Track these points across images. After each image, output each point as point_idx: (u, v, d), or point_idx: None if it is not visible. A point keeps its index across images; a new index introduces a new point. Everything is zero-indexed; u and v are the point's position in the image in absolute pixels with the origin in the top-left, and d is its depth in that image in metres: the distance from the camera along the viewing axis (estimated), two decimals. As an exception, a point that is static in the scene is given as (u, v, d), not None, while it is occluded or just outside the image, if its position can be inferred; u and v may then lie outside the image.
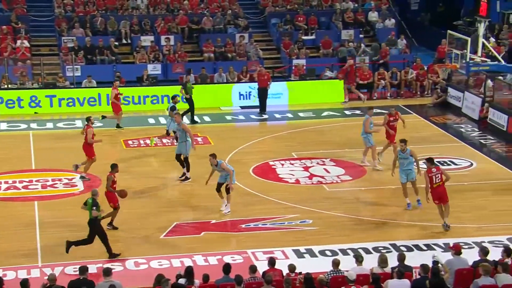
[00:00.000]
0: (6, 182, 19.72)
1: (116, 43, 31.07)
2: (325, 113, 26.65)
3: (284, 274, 12.86)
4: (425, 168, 16.80)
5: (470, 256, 13.61)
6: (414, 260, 13.82)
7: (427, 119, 25.55)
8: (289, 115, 26.58)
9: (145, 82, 28.08)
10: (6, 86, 27.31)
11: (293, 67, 30.02)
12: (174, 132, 21.05)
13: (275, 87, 27.20)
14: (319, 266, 14.34)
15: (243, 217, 17.32)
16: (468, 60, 25.43)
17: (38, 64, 29.18)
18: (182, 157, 19.55)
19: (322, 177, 19.99)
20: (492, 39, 29.49)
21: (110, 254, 15.17)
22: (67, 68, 29.15)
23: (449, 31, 27.29)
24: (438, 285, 12.30)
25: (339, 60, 31.11)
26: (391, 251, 15.16)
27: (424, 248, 15.57)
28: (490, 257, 13.16)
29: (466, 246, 15.08)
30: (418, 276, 12.65)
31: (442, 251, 15.13)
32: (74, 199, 18.66)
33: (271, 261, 13.20)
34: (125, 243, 16.02)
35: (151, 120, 25.90)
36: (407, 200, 17.71)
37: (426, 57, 31.31)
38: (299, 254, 15.33)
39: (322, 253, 15.39)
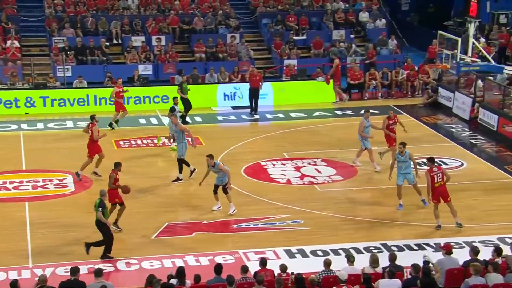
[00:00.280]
0: (-4, 183, 19.67)
1: (107, 43, 31.00)
2: (316, 113, 26.68)
3: (276, 274, 12.87)
4: (422, 170, 16.79)
5: (461, 255, 13.65)
6: (405, 260, 13.86)
7: (418, 119, 25.63)
8: (280, 115, 26.60)
9: (136, 83, 28.03)
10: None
11: (284, 68, 30.04)
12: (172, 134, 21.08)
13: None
14: (311, 266, 14.35)
15: (234, 218, 17.32)
16: (458, 60, 25.52)
17: (29, 64, 29.08)
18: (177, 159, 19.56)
19: (314, 177, 20.01)
20: (482, 40, 29.61)
21: (104, 255, 15.12)
22: (57, 68, 29.07)
23: (439, 32, 27.38)
24: (429, 284, 12.34)
25: (330, 61, 31.13)
26: (382, 251, 15.20)
27: (415, 248, 15.62)
28: (480, 257, 13.21)
29: (457, 246, 15.13)
30: (409, 276, 12.68)
31: (433, 251, 15.19)
32: (65, 200, 18.65)
33: (263, 262, 13.21)
34: (116, 243, 15.95)
35: (142, 121, 25.86)
36: (401, 201, 17.74)
37: (416, 58, 31.40)
38: (291, 254, 15.35)
39: (314, 253, 15.42)
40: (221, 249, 15.70)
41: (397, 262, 13.01)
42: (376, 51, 31.15)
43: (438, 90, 27.49)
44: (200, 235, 16.48)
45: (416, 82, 28.86)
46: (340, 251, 15.33)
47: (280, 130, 24.70)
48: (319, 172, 20.42)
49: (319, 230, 16.65)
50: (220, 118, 26.35)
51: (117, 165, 16.92)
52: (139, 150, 22.66)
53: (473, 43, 26.44)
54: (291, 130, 24.65)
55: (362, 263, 13.39)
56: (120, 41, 31.82)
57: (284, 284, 12.11)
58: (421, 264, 12.76)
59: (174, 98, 23.35)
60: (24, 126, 25.14)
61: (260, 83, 26.46)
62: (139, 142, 23.35)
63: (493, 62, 26.61)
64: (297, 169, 20.66)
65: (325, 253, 15.28)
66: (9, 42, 30.05)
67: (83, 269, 13.88)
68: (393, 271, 12.41)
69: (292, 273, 12.67)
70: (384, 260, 13.16)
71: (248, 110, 26.55)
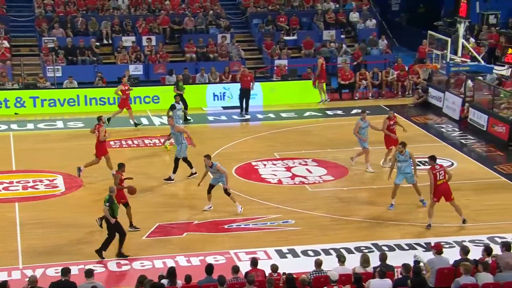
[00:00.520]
0: (-14, 184, 19.59)
1: (97, 44, 30.93)
2: (307, 113, 26.72)
3: (267, 274, 12.87)
4: (423, 169, 16.81)
5: (451, 255, 13.70)
6: (396, 259, 13.88)
7: (408, 119, 25.68)
8: (271, 115, 26.62)
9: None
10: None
11: (275, 68, 30.05)
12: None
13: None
14: (302, 266, 14.37)
15: (225, 218, 17.32)
16: (448, 60, 25.61)
17: (18, 64, 28.98)
18: (174, 158, 19.54)
19: (305, 177, 20.03)
20: (472, 40, 29.74)
21: (99, 252, 15.11)
22: (47, 68, 28.97)
23: (429, 32, 27.47)
24: (420, 284, 12.37)
25: (321, 61, 31.19)
26: (373, 251, 15.23)
27: (406, 247, 15.66)
28: (470, 256, 13.26)
29: (447, 246, 15.18)
30: (400, 276, 12.71)
31: (423, 251, 15.24)
32: (56, 200, 18.59)
33: (254, 262, 13.21)
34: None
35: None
36: (393, 201, 17.78)
37: (407, 58, 31.49)
38: (282, 254, 15.36)
39: (305, 253, 15.43)
40: (212, 249, 15.69)
41: (388, 262, 13.04)
42: (362, 51, 31.13)
43: (428, 90, 27.59)
44: (191, 236, 16.46)
45: (407, 82, 28.95)
46: (331, 251, 15.36)
47: (271, 130, 24.71)
48: (310, 172, 20.44)
49: (310, 230, 16.67)
50: (210, 118, 26.33)
51: (121, 166, 17.00)
52: (130, 150, 22.60)
53: (463, 44, 26.54)
54: (282, 130, 24.66)
55: (353, 263, 13.41)
56: (110, 41, 31.75)
57: (275, 284, 12.12)
58: (412, 264, 12.80)
59: (176, 96, 23.16)
60: (14, 126, 25.04)
61: (252, 83, 26.46)
62: (129, 142, 23.31)
63: (482, 62, 26.71)
64: (288, 169, 20.68)
65: (316, 253, 15.30)
66: (-2, 42, 29.96)
67: (74, 270, 13.83)
68: (384, 270, 12.43)
69: (284, 273, 12.68)
70: (375, 260, 13.19)
71: (239, 110, 26.54)
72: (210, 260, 14.84)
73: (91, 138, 23.67)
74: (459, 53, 26.32)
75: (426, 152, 20.65)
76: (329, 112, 26.91)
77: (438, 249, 13.32)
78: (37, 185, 19.55)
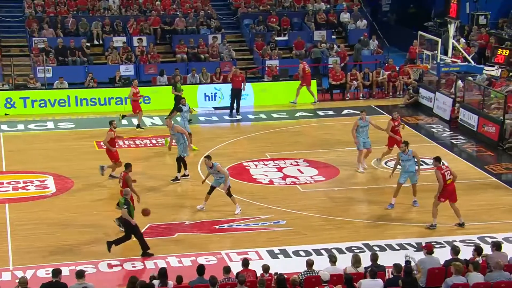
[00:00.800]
0: (-24, 185, 19.51)
1: (88, 44, 30.85)
2: (298, 114, 26.74)
3: (259, 275, 12.88)
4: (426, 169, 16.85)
5: (442, 255, 13.75)
6: (387, 259, 13.91)
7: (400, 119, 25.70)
8: (262, 115, 26.63)
9: (117, 83, 27.92)
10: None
11: (266, 68, 30.07)
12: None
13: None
14: (293, 266, 14.39)
15: (217, 218, 17.32)
16: (439, 61, 25.68)
17: (9, 65, 28.86)
18: (176, 158, 19.54)
19: (296, 177, 20.05)
20: (463, 40, 29.84)
21: (109, 245, 15.17)
22: (38, 69, 28.88)
23: (420, 32, 27.54)
24: (411, 284, 12.41)
25: (312, 61, 31.24)
26: (364, 251, 15.26)
27: (397, 247, 15.70)
28: (461, 256, 13.31)
29: (437, 246, 15.23)
30: (391, 276, 12.74)
31: (414, 251, 15.27)
32: (46, 201, 18.54)
33: (245, 262, 13.22)
34: (98, 244, 15.91)
35: (124, 122, 25.70)
36: (393, 200, 17.79)
37: (398, 58, 31.56)
38: (273, 255, 15.37)
39: (296, 253, 15.45)
40: (204, 250, 15.68)
41: (379, 262, 13.07)
42: (358, 52, 31.17)
43: (419, 90, 27.67)
44: (183, 236, 16.45)
45: (397, 82, 29.03)
46: (323, 251, 15.38)
47: (262, 131, 24.72)
48: (301, 172, 20.47)
49: (301, 230, 16.69)
50: (202, 118, 26.31)
51: (128, 166, 17.04)
52: (121, 151, 22.53)
53: (453, 44, 26.62)
54: (273, 130, 24.68)
55: (344, 263, 13.44)
56: (101, 42, 31.68)
57: (266, 285, 12.12)
58: (403, 264, 12.83)
59: (182, 99, 22.99)
60: (4, 127, 24.94)
61: (243, 84, 26.45)
62: (120, 143, 23.23)
63: (472, 63, 26.80)
64: (279, 169, 20.69)
65: (308, 253, 15.32)
66: (-12, 42, 29.86)
67: (65, 271, 13.79)
68: (375, 271, 12.47)
69: (275, 274, 12.69)
70: (366, 260, 13.22)
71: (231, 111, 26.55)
72: (201, 260, 14.84)
73: (82, 139, 23.63)
74: (449, 54, 26.40)
75: (417, 152, 20.67)
76: (320, 113, 26.94)
77: (428, 249, 13.37)
78: (28, 186, 19.49)
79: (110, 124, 19.89)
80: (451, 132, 24.55)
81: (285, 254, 15.44)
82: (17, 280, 12.67)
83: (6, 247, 15.82)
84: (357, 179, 19.99)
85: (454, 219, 17.05)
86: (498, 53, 27.11)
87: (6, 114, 26.30)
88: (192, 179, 19.66)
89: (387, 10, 39.08)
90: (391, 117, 20.90)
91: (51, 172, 20.26)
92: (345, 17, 34.22)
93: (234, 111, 26.46)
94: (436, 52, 25.73)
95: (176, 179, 19.57)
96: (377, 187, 19.46)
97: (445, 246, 15.39)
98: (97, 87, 27.48)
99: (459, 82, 25.76)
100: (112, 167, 19.69)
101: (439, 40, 26.08)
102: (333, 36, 33.16)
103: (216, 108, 27.27)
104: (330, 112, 26.81)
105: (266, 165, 21.10)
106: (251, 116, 26.65)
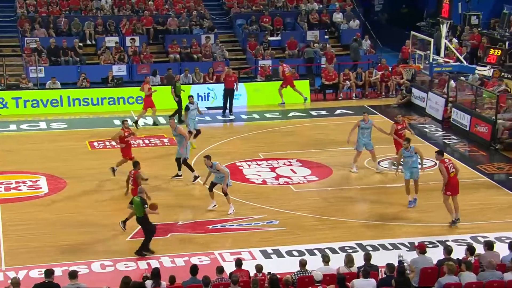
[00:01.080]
0: (-32, 185, 19.44)
1: (80, 44, 30.79)
2: (291, 114, 26.76)
3: (252, 275, 12.88)
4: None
5: (435, 255, 13.78)
6: (380, 259, 13.93)
7: (391, 119, 25.75)
8: (255, 115, 26.63)
9: (110, 83, 27.87)
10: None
11: (259, 68, 30.06)
12: (190, 132, 21.30)
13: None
14: (286, 266, 14.39)
15: (210, 218, 17.30)
16: (431, 61, 25.74)
17: (1, 65, 28.71)
18: (181, 160, 19.51)
19: (289, 177, 20.06)
20: (455, 40, 29.92)
21: (139, 251, 15.18)
22: (30, 69, 28.79)
23: (412, 32, 27.60)
24: (404, 284, 12.43)
25: (305, 61, 31.26)
26: (357, 251, 15.27)
27: (390, 247, 15.72)
28: (454, 256, 13.34)
29: (430, 245, 15.26)
30: (384, 275, 12.76)
31: (407, 250, 15.29)
32: (39, 202, 18.47)
33: (238, 262, 13.22)
34: (91, 244, 15.89)
35: (117, 122, 25.66)
36: (409, 197, 17.83)
37: (390, 58, 31.61)
38: (266, 255, 15.37)
39: (289, 253, 15.45)
40: (197, 250, 15.66)
41: (372, 262, 13.09)
42: (354, 52, 31.19)
43: (412, 90, 27.73)
44: (176, 236, 16.43)
45: (390, 82, 29.09)
46: (316, 251, 15.39)
47: (255, 131, 24.73)
48: (294, 172, 20.47)
49: (294, 230, 16.69)
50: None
51: (136, 165, 17.15)
52: (113, 151, 22.50)
53: (446, 44, 26.68)
54: (266, 130, 24.69)
55: (337, 263, 13.45)
56: (93, 42, 31.61)
57: (260, 285, 12.12)
58: (396, 264, 12.85)
59: (190, 97, 22.94)
60: (-4, 127, 24.90)
61: (235, 84, 26.43)
62: (113, 143, 23.15)
63: (465, 63, 26.88)
64: (272, 169, 20.70)
65: (301, 253, 15.32)
66: (-20, 42, 29.74)
67: (58, 271, 13.75)
68: (368, 270, 12.48)
69: (269, 273, 12.69)
70: (359, 260, 13.23)
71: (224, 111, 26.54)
72: (194, 260, 14.82)
73: (74, 139, 23.59)
74: (442, 54, 26.46)
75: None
76: (313, 113, 26.97)
77: (421, 248, 13.39)
78: (20, 186, 19.43)
79: (122, 123, 19.74)
80: (444, 132, 24.61)
81: (278, 254, 15.44)
82: (9, 281, 12.64)
83: (-2, 247, 15.77)
84: (350, 179, 20.01)
85: (444, 219, 17.08)
86: (490, 53, 27.18)
87: (-1, 114, 26.24)
88: (185, 179, 19.64)
89: (380, 10, 39.14)
90: (395, 120, 20.58)
91: (43, 173, 20.21)
92: (338, 17, 34.26)
93: (227, 111, 26.45)
94: (429, 52, 25.79)
95: (195, 178, 19.35)
96: (370, 187, 19.49)
97: (437, 246, 15.43)
98: (89, 87, 27.42)
99: (452, 82, 25.83)
100: (120, 162, 19.51)
101: (432, 40, 26.15)
102: (326, 36, 33.19)
103: (209, 108, 27.25)
104: (323, 112, 26.84)
105: (259, 165, 21.10)
106: (244, 116, 26.65)
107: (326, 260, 13.12)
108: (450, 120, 24.95)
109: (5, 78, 28.08)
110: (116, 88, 27.50)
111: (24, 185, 19.49)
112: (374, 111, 26.59)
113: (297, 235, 16.41)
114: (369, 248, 15.49)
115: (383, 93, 29.07)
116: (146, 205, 15.25)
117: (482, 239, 15.61)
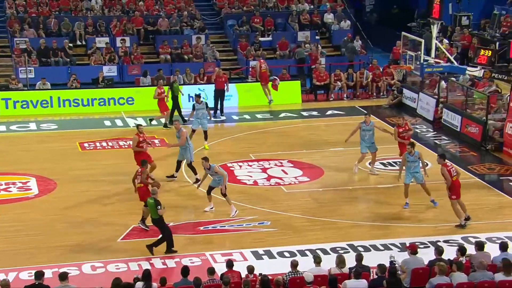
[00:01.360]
0: (-43, 187, 19.31)
1: (71, 45, 30.67)
2: (282, 115, 26.74)
3: (243, 276, 12.85)
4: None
5: (426, 255, 13.78)
6: (371, 260, 13.92)
7: (383, 120, 25.81)
8: (246, 116, 26.60)
9: (100, 84, 27.77)
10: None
11: (250, 69, 30.03)
12: (193, 131, 21.31)
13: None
14: (278, 267, 14.35)
15: (201, 219, 17.26)
16: (422, 61, 25.78)
17: (-10, 66, 28.68)
18: (183, 163, 19.42)
19: (280, 178, 20.03)
20: (446, 41, 29.99)
21: (168, 250, 15.29)
22: (20, 70, 28.66)
23: (403, 33, 27.64)
24: (395, 284, 12.43)
25: (296, 62, 31.25)
26: (348, 252, 15.26)
27: (381, 248, 15.72)
28: (445, 256, 13.35)
29: (422, 246, 15.25)
30: (376, 276, 12.75)
31: (398, 251, 15.30)
32: (29, 203, 18.38)
33: (229, 263, 13.18)
34: (81, 246, 15.82)
35: (107, 123, 25.64)
36: (407, 200, 17.82)
37: (381, 59, 31.65)
38: (258, 256, 15.34)
39: (281, 254, 15.42)
40: (188, 251, 15.61)
41: (363, 263, 13.07)
42: (350, 54, 31.23)
43: (403, 91, 27.76)
44: (167, 238, 16.36)
45: (381, 83, 29.12)
46: (307, 252, 15.36)
47: (246, 131, 24.70)
48: (286, 173, 20.45)
49: (286, 231, 16.66)
50: (186, 119, 26.18)
51: (144, 163, 17.14)
52: (104, 152, 22.45)
53: (437, 45, 26.73)
54: (257, 131, 24.66)
55: (329, 263, 13.43)
56: (84, 42, 31.50)
57: (251, 286, 12.09)
58: (387, 264, 12.84)
59: (197, 96, 22.76)
60: (-15, 128, 24.76)
61: (225, 84, 26.39)
62: (104, 144, 23.13)
63: (455, 63, 26.94)
64: (264, 170, 20.67)
65: (292, 254, 15.29)
66: (-30, 43, 29.58)
67: (48, 273, 13.68)
68: (360, 271, 12.47)
69: (260, 274, 12.66)
70: (350, 261, 13.22)
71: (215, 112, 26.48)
72: (185, 262, 14.78)
73: (64, 140, 23.47)
74: (433, 54, 26.52)
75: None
76: (304, 113, 26.96)
77: (413, 249, 13.40)
78: (10, 187, 19.32)
79: (137, 128, 19.54)
80: (435, 133, 24.64)
81: (270, 255, 15.41)
82: (-1, 283, 12.56)
83: (-12, 249, 15.67)
84: (341, 180, 20.00)
85: (435, 219, 17.13)
86: (480, 54, 27.25)
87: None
88: (178, 181, 19.57)
89: (369, 10, 39.20)
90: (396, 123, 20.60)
91: (33, 174, 20.10)
92: (328, 17, 34.27)
93: (218, 111, 26.41)
94: (419, 52, 25.84)
95: (197, 180, 19.15)
96: (362, 188, 19.50)
97: (429, 246, 15.43)
98: (80, 88, 27.32)
99: (443, 83, 25.88)
100: (151, 169, 18.97)
101: (422, 40, 26.19)
102: (317, 37, 33.20)
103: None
104: (314, 113, 26.84)
105: (251, 166, 21.06)
106: (235, 117, 26.61)
107: (317, 261, 13.09)
108: (441, 121, 25.00)
109: (-6, 78, 27.99)
110: (106, 89, 27.41)
111: (14, 187, 19.39)
112: (365, 111, 26.53)
113: (288, 236, 16.38)
114: (360, 248, 15.47)
115: (374, 94, 29.10)
116: (159, 206, 15.24)
117: (473, 240, 15.64)
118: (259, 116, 26.57)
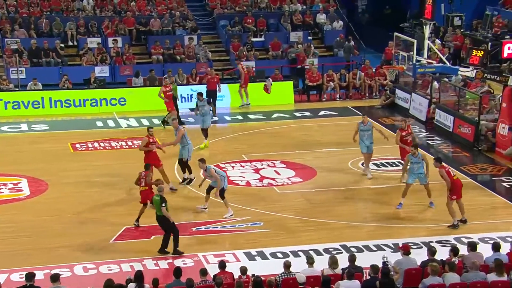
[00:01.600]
0: None
1: (62, 45, 30.55)
2: (275, 115, 26.71)
3: (236, 277, 12.81)
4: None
5: (419, 256, 13.77)
6: (364, 261, 13.90)
7: (375, 120, 25.79)
8: (239, 117, 26.56)
9: (92, 85, 27.67)
10: None
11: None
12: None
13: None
14: (271, 268, 14.31)
15: (194, 220, 17.21)
16: (414, 62, 25.80)
17: (-19, 66, 28.54)
18: (183, 161, 19.37)
19: (273, 179, 20.00)
20: (438, 41, 30.04)
21: (174, 250, 15.25)
22: (11, 70, 28.52)
23: (396, 33, 27.66)
24: (388, 285, 12.41)
25: (288, 62, 31.24)
26: (341, 252, 15.24)
27: (374, 248, 15.70)
28: (437, 257, 13.34)
29: (414, 246, 15.25)
30: (369, 277, 12.73)
31: (391, 252, 15.29)
32: (20, 204, 18.29)
33: (221, 264, 13.14)
34: (73, 247, 15.74)
35: (99, 123, 25.55)
36: (402, 200, 17.79)
37: (373, 59, 31.66)
38: (250, 257, 15.30)
39: (273, 255, 15.39)
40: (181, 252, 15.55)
41: (356, 263, 13.05)
42: (347, 55, 31.26)
43: (395, 91, 27.78)
44: (159, 239, 16.24)
45: (374, 83, 29.14)
46: (300, 253, 15.33)
47: (239, 132, 24.66)
48: (278, 174, 20.42)
49: (278, 232, 16.63)
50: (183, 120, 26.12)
51: (148, 167, 17.11)
52: (96, 153, 22.36)
53: (429, 45, 26.77)
54: (250, 132, 24.63)
55: (322, 264, 13.41)
56: (75, 43, 31.39)
57: (244, 287, 12.05)
58: (380, 265, 12.82)
59: (199, 94, 22.75)
60: (-23, 129, 24.63)
61: (217, 85, 26.34)
62: (96, 145, 23.05)
63: (448, 64, 26.98)
64: (256, 171, 20.63)
65: (285, 255, 15.26)
66: (-40, 43, 29.43)
67: (39, 275, 13.59)
68: (352, 272, 12.44)
69: (253, 275, 12.62)
70: (343, 261, 13.20)
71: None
72: (178, 263, 14.72)
73: (56, 141, 23.36)
74: (425, 55, 26.55)
75: (394, 153, 20.79)
76: (297, 114, 26.94)
77: (405, 250, 13.39)
78: (1, 189, 19.22)
79: (147, 130, 19.28)
80: (427, 133, 24.66)
81: (263, 256, 15.38)
82: (-10, 285, 12.48)
83: (-21, 251, 15.58)
84: (334, 180, 19.98)
85: (428, 220, 17.13)
86: (473, 54, 27.30)
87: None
88: (170, 181, 19.50)
89: (361, 11, 39.23)
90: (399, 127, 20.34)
91: (25, 175, 20.00)
92: (321, 18, 34.27)
93: (211, 112, 26.29)
94: (412, 53, 25.86)
95: (190, 180, 19.28)
96: (355, 189, 19.48)
97: (421, 247, 15.42)
98: (71, 89, 27.21)
99: (435, 83, 25.91)
100: (164, 178, 18.58)
101: (415, 41, 26.22)
102: (310, 37, 33.19)
103: (192, 110, 27.10)
104: (307, 113, 26.82)
105: (243, 166, 21.02)
106: (227, 118, 26.57)
107: (310, 261, 13.07)
108: (434, 121, 25.02)
109: (-15, 79, 27.81)
110: (98, 90, 27.32)
111: (5, 188, 19.28)
112: (358, 112, 26.56)
113: (281, 237, 16.35)
114: (353, 249, 15.45)
115: (367, 94, 29.11)
116: (163, 204, 15.21)
117: (465, 240, 15.64)
118: (251, 116, 26.53)
